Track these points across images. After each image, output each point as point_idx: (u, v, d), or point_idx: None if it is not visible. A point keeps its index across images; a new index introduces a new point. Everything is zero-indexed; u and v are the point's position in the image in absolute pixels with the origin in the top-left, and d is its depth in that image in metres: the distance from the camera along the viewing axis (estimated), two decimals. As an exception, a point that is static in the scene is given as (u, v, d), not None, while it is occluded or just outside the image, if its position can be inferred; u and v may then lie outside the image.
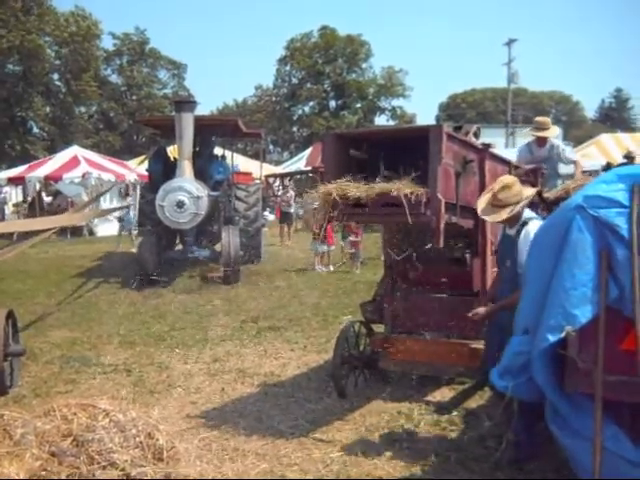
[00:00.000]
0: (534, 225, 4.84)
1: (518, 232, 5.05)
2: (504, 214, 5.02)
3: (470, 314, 5.33)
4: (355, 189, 5.23)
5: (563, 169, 9.23)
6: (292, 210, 23.19)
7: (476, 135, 6.88)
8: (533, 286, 3.92)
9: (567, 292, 3.57)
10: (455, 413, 5.91)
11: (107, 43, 58.23)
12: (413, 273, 6.64)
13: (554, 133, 8.85)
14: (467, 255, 6.40)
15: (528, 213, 5.16)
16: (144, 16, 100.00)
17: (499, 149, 8.99)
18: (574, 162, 8.78)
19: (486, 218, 5.22)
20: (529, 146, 8.88)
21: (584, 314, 3.59)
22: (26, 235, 7.59)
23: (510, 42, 45.76)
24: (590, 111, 79.91)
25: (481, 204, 5.15)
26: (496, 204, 5.03)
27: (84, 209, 8.91)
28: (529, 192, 5.17)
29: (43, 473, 4.07)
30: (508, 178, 5.19)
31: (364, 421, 5.86)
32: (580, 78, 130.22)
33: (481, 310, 5.32)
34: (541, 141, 8.65)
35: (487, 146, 6.06)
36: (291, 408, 6.25)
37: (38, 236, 7.53)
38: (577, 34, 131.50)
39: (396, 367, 6.83)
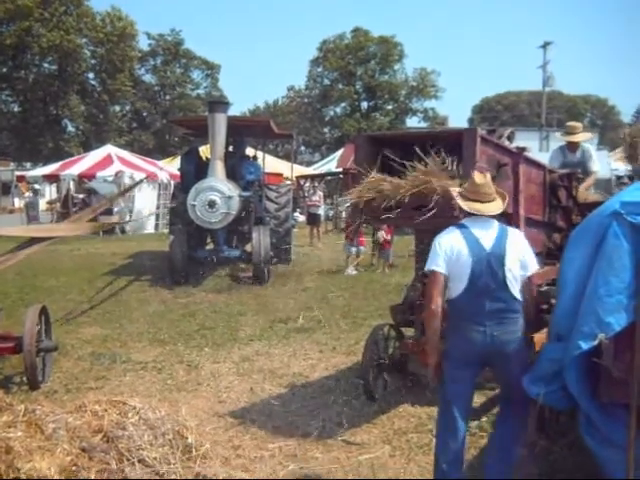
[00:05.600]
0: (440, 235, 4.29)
1: None
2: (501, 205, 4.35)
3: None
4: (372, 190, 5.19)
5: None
6: (320, 212, 23.16)
7: (510, 139, 6.81)
8: (567, 292, 3.86)
9: (601, 299, 3.51)
10: (484, 419, 5.85)
11: (142, 43, 59.01)
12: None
13: (584, 138, 8.66)
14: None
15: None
16: (179, 17, 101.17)
17: (533, 153, 8.83)
18: (592, 172, 8.55)
19: (483, 211, 4.25)
20: (562, 150, 8.73)
21: (618, 322, 3.52)
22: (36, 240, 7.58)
23: (545, 45, 45.37)
24: (626, 115, 78.70)
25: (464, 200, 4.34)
26: (486, 199, 4.28)
27: (89, 215, 8.75)
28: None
29: (73, 468, 4.12)
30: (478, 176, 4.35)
31: (392, 424, 5.85)
32: (616, 82, 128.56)
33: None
34: (572, 146, 8.50)
35: (521, 150, 5.98)
36: (319, 409, 6.25)
37: (42, 242, 7.56)
38: (612, 37, 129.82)
39: (425, 371, 6.77)
